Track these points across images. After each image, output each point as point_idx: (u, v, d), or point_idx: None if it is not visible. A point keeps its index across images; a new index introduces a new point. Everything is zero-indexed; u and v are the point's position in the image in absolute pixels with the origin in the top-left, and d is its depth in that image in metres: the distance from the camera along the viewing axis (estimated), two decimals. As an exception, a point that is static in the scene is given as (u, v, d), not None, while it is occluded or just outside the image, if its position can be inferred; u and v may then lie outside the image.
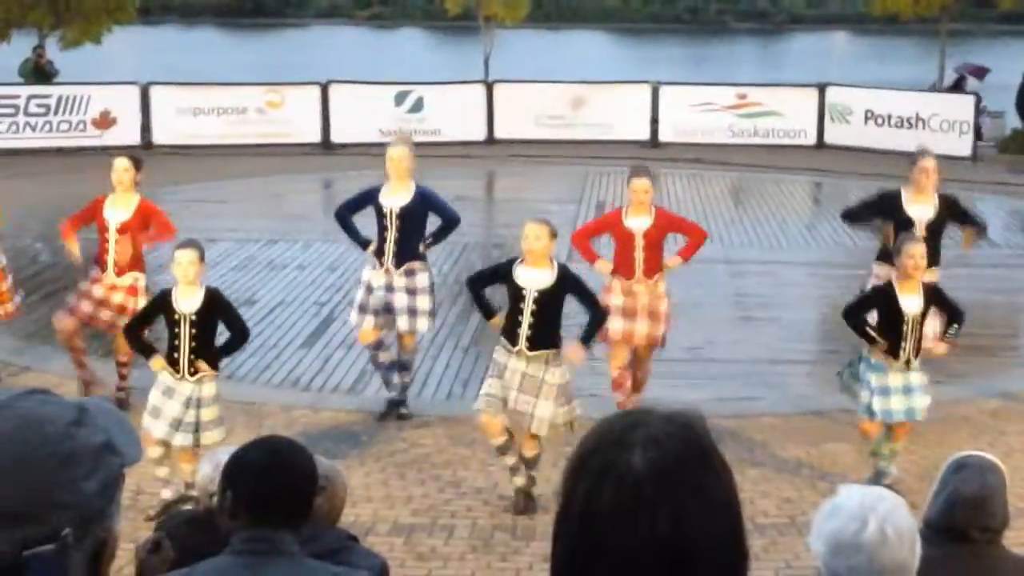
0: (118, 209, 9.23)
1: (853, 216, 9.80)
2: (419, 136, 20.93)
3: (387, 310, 9.17)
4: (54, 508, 1.51)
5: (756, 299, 12.82)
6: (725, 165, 19.95)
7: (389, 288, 9.14)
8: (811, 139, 21.38)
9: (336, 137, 21.09)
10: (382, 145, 20.79)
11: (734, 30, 57.60)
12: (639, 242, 8.79)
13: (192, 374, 7.67)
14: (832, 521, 2.99)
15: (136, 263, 9.25)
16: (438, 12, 33.73)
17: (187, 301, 7.66)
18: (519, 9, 25.49)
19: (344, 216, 9.47)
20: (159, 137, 20.68)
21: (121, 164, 9.28)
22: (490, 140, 21.03)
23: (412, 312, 9.19)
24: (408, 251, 9.12)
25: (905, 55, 42.74)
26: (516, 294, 7.78)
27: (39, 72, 22.26)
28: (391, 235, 9.09)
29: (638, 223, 8.83)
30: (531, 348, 7.73)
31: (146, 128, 20.69)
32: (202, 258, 7.71)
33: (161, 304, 7.81)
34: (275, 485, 3.49)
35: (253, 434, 6.96)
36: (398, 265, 9.11)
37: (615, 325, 8.76)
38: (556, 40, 49.93)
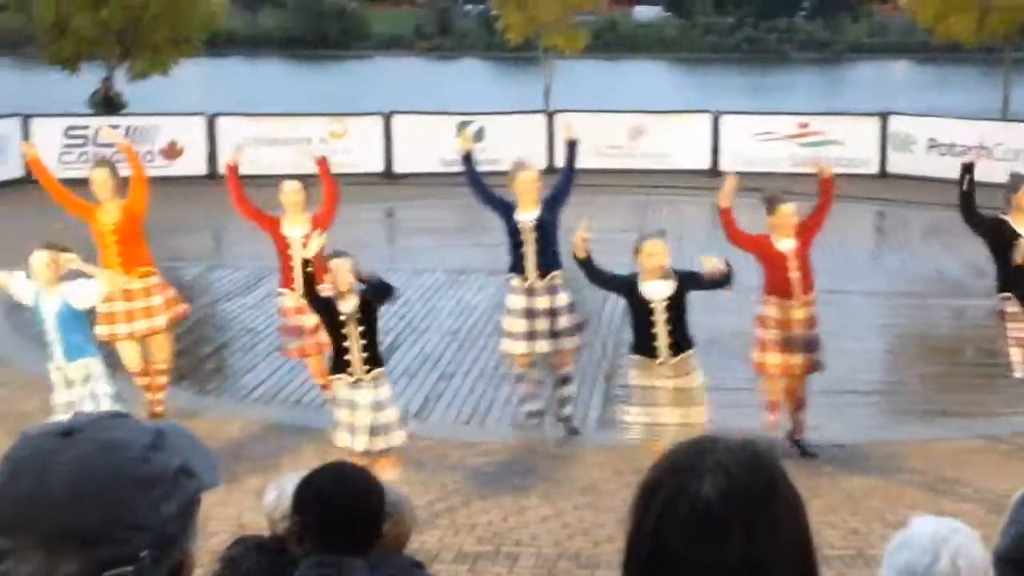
0: (296, 227, 9.40)
1: (974, 218, 9.40)
2: (481, 166, 21.02)
3: (530, 336, 9.35)
4: (132, 530, 1.53)
5: (821, 328, 12.71)
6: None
7: (531, 314, 9.31)
8: (874, 168, 21.26)
9: (398, 167, 21.25)
10: (444, 175, 21.10)
11: (794, 59, 57.41)
12: (792, 263, 9.01)
13: (368, 372, 7.73)
14: (904, 553, 2.95)
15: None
16: (499, 43, 33.91)
17: (345, 304, 7.73)
18: (579, 39, 25.60)
19: (474, 172, 9.63)
20: (224, 167, 20.91)
21: (291, 187, 9.51)
22: (550, 169, 21.04)
23: (555, 335, 9.34)
24: (548, 261, 9.30)
25: (967, 83, 42.40)
26: (644, 307, 8.04)
27: (108, 103, 22.63)
28: (530, 248, 9.27)
29: (787, 245, 9.07)
30: (675, 354, 8.02)
31: (212, 158, 20.97)
32: None
33: (326, 308, 7.84)
34: (342, 511, 3.51)
35: (320, 461, 7.01)
36: (542, 277, 9.28)
37: (772, 359, 9.01)
38: (615, 70, 50.02)
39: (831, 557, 7.54)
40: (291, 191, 9.55)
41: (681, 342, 8.08)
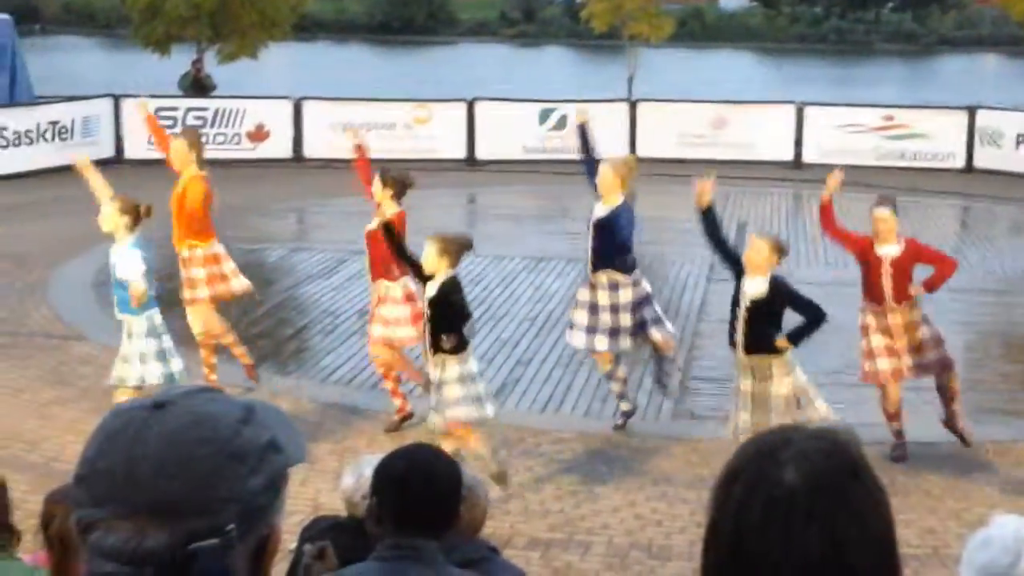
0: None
1: None
2: (562, 154, 21.12)
3: (591, 331, 9.33)
4: (220, 503, 1.54)
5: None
6: (870, 187, 19.65)
7: (593, 309, 9.30)
8: (960, 162, 20.95)
9: (480, 154, 21.33)
10: (525, 162, 21.11)
11: (881, 51, 56.65)
12: (887, 270, 8.91)
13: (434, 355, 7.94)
14: (984, 553, 2.90)
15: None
16: (583, 30, 33.87)
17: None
18: (664, 28, 25.49)
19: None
20: (310, 151, 21.16)
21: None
22: (632, 158, 21.07)
23: (614, 332, 9.28)
24: (605, 262, 9.23)
25: (1061, 78, 41.58)
26: (736, 299, 8.14)
27: (197, 85, 22.95)
28: (589, 243, 9.29)
29: (887, 251, 8.95)
30: (747, 352, 8.04)
31: (298, 141, 21.20)
32: None
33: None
34: (419, 493, 3.56)
35: (397, 444, 7.11)
36: (594, 271, 9.26)
37: (882, 365, 8.95)
38: (700, 59, 49.70)
39: (907, 555, 7.47)
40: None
41: (758, 344, 8.01)
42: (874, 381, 9.08)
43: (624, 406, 9.63)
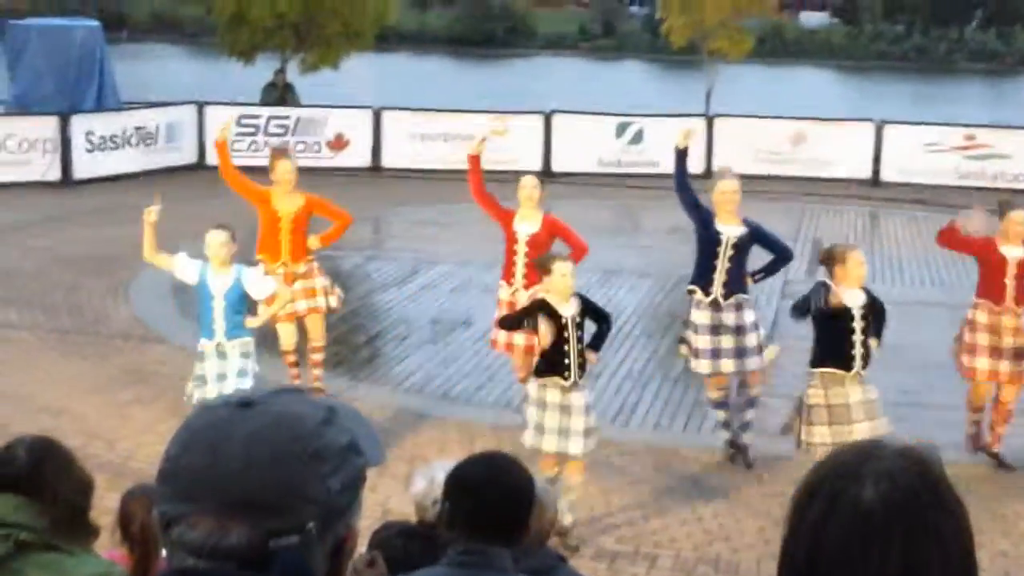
0: (527, 223, 9.54)
1: None
2: (638, 168, 21.13)
3: (716, 354, 9.02)
4: (301, 502, 1.56)
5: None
6: (950, 207, 19.46)
7: (715, 331, 8.99)
8: (1042, 184, 20.65)
9: (556, 166, 21.39)
10: (601, 175, 21.12)
11: (963, 70, 55.96)
12: (1011, 270, 8.93)
13: (581, 376, 7.76)
14: None
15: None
16: (662, 45, 33.82)
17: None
18: (744, 44, 25.38)
19: (684, 172, 9.23)
20: (387, 160, 21.34)
21: (530, 182, 9.58)
22: (707, 174, 20.96)
23: (741, 353, 9.02)
24: (736, 284, 9.03)
25: None
26: (840, 316, 7.96)
27: (282, 94, 23.21)
28: (722, 264, 8.99)
29: (1014, 252, 8.98)
30: (864, 367, 8.00)
31: (376, 151, 21.39)
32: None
33: (542, 309, 7.84)
34: (492, 499, 3.59)
35: (466, 453, 7.17)
36: (727, 297, 8.99)
37: (981, 364, 9.00)
38: (779, 76, 49.38)
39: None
40: (529, 186, 9.53)
41: (868, 354, 8.03)
42: (970, 377, 9.17)
43: (729, 434, 9.29)
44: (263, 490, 1.55)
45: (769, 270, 9.32)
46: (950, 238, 9.09)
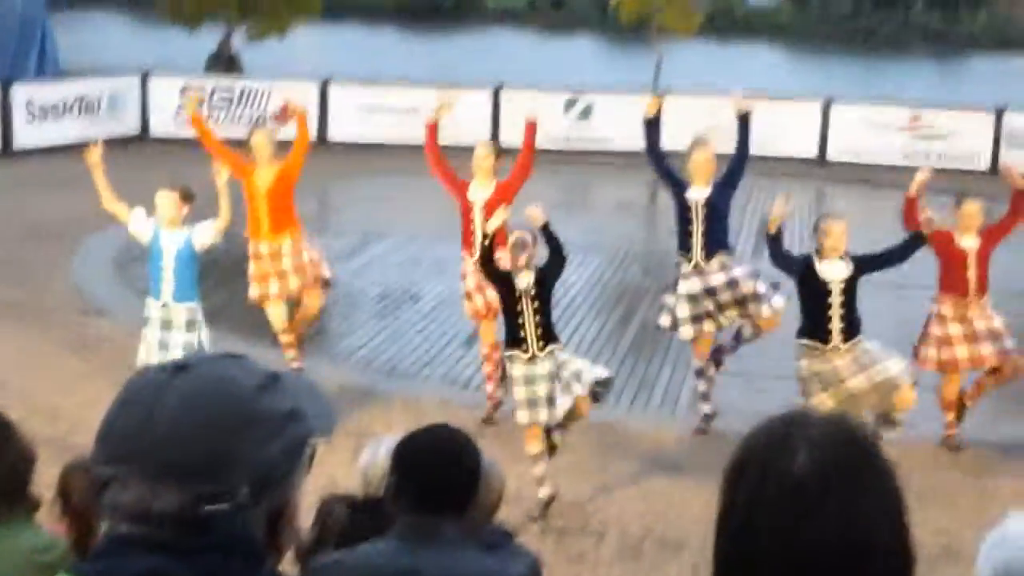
0: (480, 191, 9.49)
1: None
2: (587, 144, 21.09)
3: (716, 310, 9.07)
4: (232, 468, 1.54)
5: (922, 324, 12.57)
6: (895, 187, 19.62)
7: (710, 291, 9.04)
8: (985, 164, 20.85)
9: (505, 141, 21.29)
10: (550, 152, 21.03)
11: (911, 50, 56.36)
12: (971, 262, 8.99)
13: (542, 348, 7.76)
14: (1002, 550, 2.86)
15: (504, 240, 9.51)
16: (611, 20, 33.80)
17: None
18: (692, 20, 25.42)
19: (656, 142, 9.35)
20: (334, 133, 21.18)
21: (482, 150, 9.67)
22: (656, 150, 21.03)
23: (741, 301, 9.02)
24: (716, 244, 9.09)
25: (1091, 82, 41.29)
26: (820, 289, 7.96)
27: (226, 64, 22.96)
28: (697, 228, 9.06)
29: (971, 243, 9.05)
30: (845, 340, 7.97)
31: (323, 124, 21.22)
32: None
33: (502, 281, 7.89)
34: (439, 472, 3.58)
35: (413, 427, 7.13)
36: (708, 259, 9.07)
37: (960, 353, 9.00)
38: (727, 53, 49.54)
39: (919, 555, 7.49)
40: (481, 155, 9.57)
41: (853, 327, 8.03)
42: (949, 369, 9.12)
43: (706, 407, 9.38)
44: (193, 454, 1.53)
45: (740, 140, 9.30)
46: (913, 222, 9.12)
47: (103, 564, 1.53)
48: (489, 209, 9.19)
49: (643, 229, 16.40)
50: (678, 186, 9.13)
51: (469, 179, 9.53)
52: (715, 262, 9.02)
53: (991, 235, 9.18)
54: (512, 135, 21.16)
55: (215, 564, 1.52)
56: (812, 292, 8.01)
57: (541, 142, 20.86)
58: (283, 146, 9.88)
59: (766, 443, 1.70)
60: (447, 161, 9.59)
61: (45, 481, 4.06)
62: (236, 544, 1.54)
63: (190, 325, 8.37)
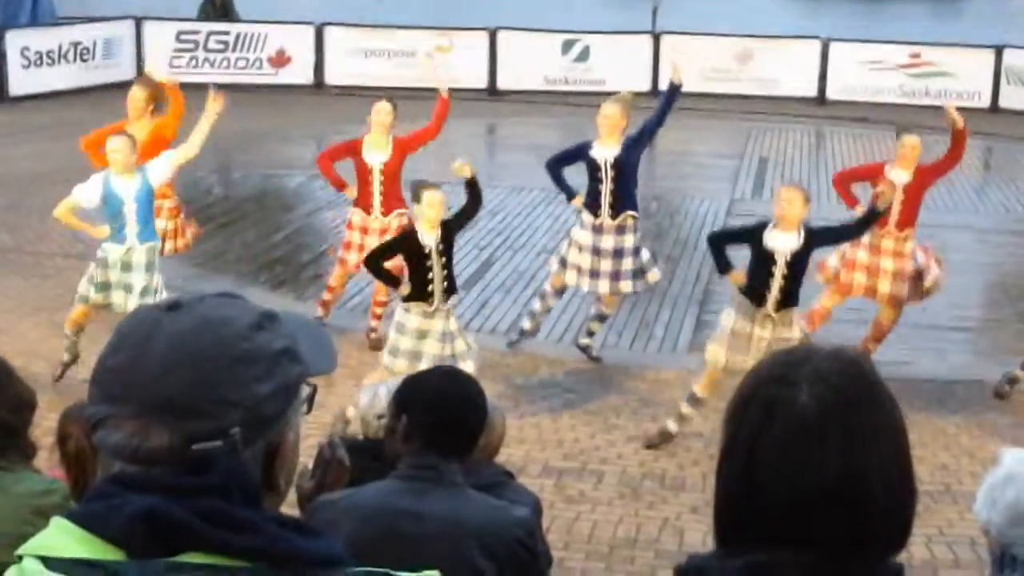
0: (376, 152, 9.48)
1: None
2: (584, 86, 20.96)
3: (592, 274, 9.17)
4: (223, 406, 1.52)
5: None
6: (893, 125, 19.52)
7: (596, 251, 9.12)
8: (985, 102, 20.75)
9: (502, 84, 21.20)
10: (547, 93, 20.93)
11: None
12: (898, 195, 8.92)
13: (446, 300, 7.79)
14: (1009, 490, 2.88)
15: (400, 200, 9.45)
16: (608, -39, 33.48)
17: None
18: (690, -40, 25.17)
19: (555, 168, 9.53)
20: (331, 77, 21.06)
21: (382, 107, 9.56)
22: (654, 91, 20.89)
23: (616, 276, 9.15)
24: (623, 202, 9.13)
25: (1091, 19, 41.00)
26: (766, 257, 7.82)
27: (220, 9, 22.76)
28: (606, 187, 9.10)
29: (902, 177, 9.04)
30: (778, 309, 7.84)
31: (319, 68, 21.10)
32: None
33: (408, 241, 7.87)
34: (452, 412, 3.58)
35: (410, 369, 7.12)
36: (614, 216, 9.10)
37: (858, 279, 9.05)
38: (726, -7, 49.14)
39: (919, 492, 7.51)
40: (381, 111, 9.56)
41: (789, 300, 7.88)
42: (839, 289, 9.17)
43: (528, 324, 9.63)
44: (183, 392, 1.52)
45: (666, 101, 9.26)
46: (839, 179, 9.41)
47: (98, 505, 1.52)
48: (389, 172, 9.20)
49: (641, 173, 16.29)
50: (580, 153, 9.27)
51: (362, 136, 9.61)
52: (619, 221, 9.10)
53: (926, 172, 9.15)
54: (509, 79, 21.12)
55: (212, 504, 1.50)
56: (758, 258, 7.85)
57: (538, 84, 20.94)
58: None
59: (770, 377, 1.70)
60: (330, 159, 9.80)
61: (48, 426, 4.06)
62: (232, 484, 1.53)
63: (149, 266, 8.37)
